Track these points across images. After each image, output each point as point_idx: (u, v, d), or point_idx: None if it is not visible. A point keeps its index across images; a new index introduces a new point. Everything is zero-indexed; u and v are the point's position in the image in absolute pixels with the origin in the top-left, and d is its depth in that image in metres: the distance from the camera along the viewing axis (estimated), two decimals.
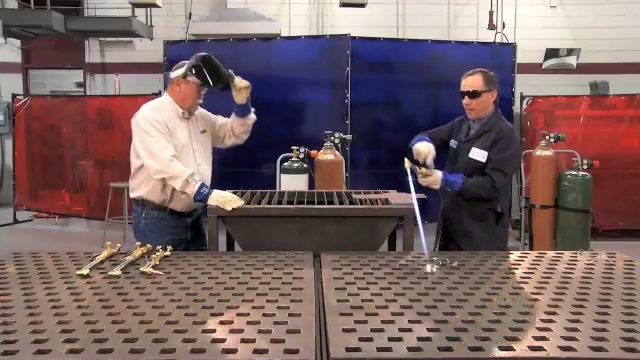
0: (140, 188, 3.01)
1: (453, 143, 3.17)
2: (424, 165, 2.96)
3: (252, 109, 3.19)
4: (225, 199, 2.77)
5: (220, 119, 3.26)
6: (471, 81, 3.00)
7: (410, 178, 2.74)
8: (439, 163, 3.10)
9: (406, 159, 2.84)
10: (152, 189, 2.96)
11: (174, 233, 2.98)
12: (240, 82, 3.03)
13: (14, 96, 8.67)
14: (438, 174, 2.91)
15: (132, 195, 3.07)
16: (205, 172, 3.08)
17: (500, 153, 2.96)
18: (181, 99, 3.01)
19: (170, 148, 2.88)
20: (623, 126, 7.75)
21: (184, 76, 2.96)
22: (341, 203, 2.99)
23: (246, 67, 7.26)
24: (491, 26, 9.03)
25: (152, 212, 3.00)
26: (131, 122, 2.98)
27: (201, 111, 3.20)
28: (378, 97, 7.42)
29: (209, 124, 3.22)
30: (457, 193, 2.97)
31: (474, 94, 2.97)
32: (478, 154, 2.99)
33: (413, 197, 2.65)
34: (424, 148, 3.00)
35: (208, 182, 3.05)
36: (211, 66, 2.97)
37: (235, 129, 3.21)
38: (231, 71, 3.05)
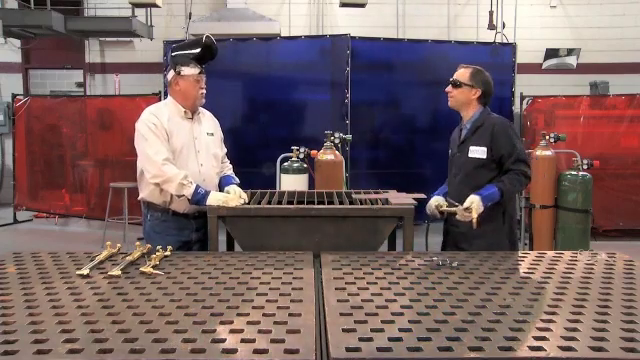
0: (144, 190, 3.01)
1: (451, 154, 3.16)
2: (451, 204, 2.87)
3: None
4: (226, 197, 2.82)
5: (223, 152, 3.24)
6: (459, 72, 3.04)
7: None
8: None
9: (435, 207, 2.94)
10: (152, 191, 2.96)
11: (179, 234, 2.96)
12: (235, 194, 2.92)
13: (14, 96, 8.67)
14: (476, 199, 2.76)
15: (139, 197, 3.08)
16: (207, 173, 3.03)
17: (509, 144, 2.91)
18: (183, 96, 3.00)
19: (163, 152, 2.86)
20: (623, 126, 7.75)
21: (178, 72, 2.96)
22: (341, 203, 2.99)
23: (246, 67, 7.38)
24: (491, 26, 9.02)
25: (156, 214, 3.00)
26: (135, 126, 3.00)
27: (215, 121, 3.21)
28: (378, 97, 7.42)
29: (217, 134, 3.19)
30: (497, 201, 2.84)
31: (456, 84, 3.01)
32: (477, 151, 2.95)
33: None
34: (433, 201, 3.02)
35: (214, 183, 3.04)
36: (184, 46, 3.01)
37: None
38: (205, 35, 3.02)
